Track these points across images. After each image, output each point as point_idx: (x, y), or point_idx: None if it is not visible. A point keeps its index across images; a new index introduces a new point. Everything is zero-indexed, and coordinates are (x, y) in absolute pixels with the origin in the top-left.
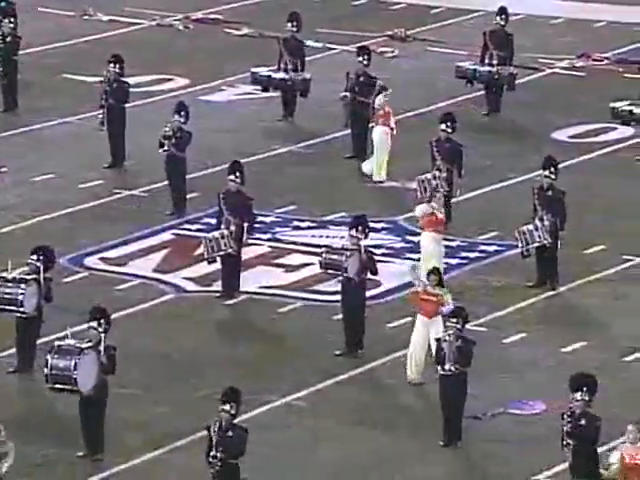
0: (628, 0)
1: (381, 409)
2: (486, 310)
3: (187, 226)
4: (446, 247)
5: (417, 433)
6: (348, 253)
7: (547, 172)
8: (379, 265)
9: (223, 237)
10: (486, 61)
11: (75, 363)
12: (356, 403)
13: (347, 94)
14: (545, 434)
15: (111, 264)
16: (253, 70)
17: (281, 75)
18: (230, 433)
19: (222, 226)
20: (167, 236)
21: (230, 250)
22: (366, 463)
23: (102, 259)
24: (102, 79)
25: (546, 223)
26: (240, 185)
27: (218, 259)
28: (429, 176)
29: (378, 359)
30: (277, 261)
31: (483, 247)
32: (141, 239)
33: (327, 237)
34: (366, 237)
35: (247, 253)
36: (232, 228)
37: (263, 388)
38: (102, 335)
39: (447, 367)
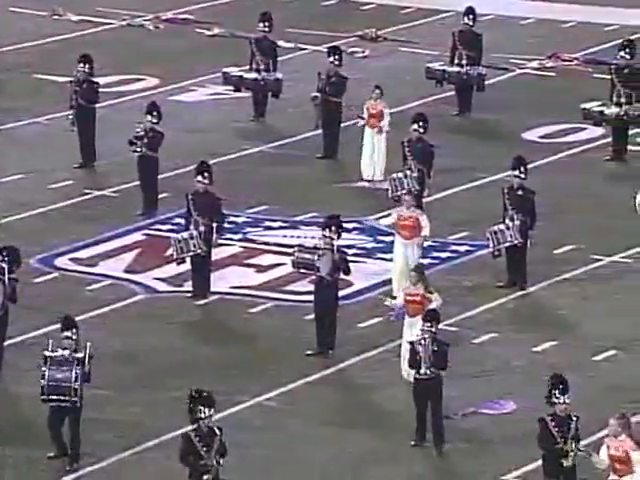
0: (597, 0)
1: (352, 409)
2: (457, 310)
3: (158, 226)
4: None
5: (388, 433)
6: (320, 252)
7: (517, 172)
8: (351, 265)
9: (192, 238)
10: (455, 61)
11: (76, 375)
12: (327, 403)
13: (318, 94)
14: (515, 434)
15: (82, 264)
16: (224, 70)
17: (253, 75)
18: (218, 434)
19: (191, 227)
20: (138, 236)
21: (199, 251)
22: (338, 463)
23: (73, 259)
24: (72, 79)
25: (517, 223)
26: (208, 185)
27: (187, 260)
28: (400, 175)
29: (349, 359)
30: (248, 261)
31: (454, 247)
32: (112, 239)
33: (298, 237)
34: (339, 237)
35: (218, 253)
36: (201, 229)
37: (234, 388)
38: (88, 345)
39: (423, 371)
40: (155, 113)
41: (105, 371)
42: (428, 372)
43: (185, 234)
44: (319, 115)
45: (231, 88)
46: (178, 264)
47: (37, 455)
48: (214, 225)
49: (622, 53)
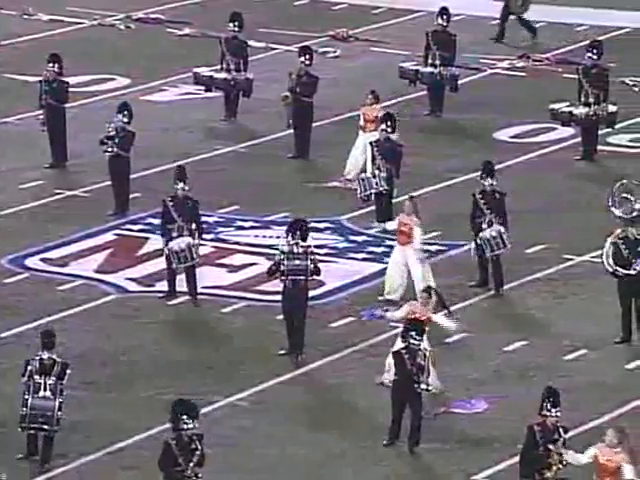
0: (568, 1)
1: (324, 409)
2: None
3: (130, 226)
4: (390, 247)
5: (360, 432)
6: (308, 255)
7: (489, 179)
8: (322, 265)
9: (192, 246)
10: (429, 62)
11: (59, 404)
12: (299, 403)
13: (288, 94)
14: (486, 433)
15: (53, 265)
16: (195, 70)
17: (223, 75)
18: (196, 445)
19: (174, 233)
20: (109, 236)
21: (198, 260)
22: (310, 463)
23: (43, 260)
24: (41, 79)
25: (502, 229)
26: (187, 191)
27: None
28: (369, 175)
29: (321, 359)
30: (220, 261)
31: (426, 247)
32: (83, 239)
33: (270, 237)
34: (305, 241)
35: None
36: (186, 234)
37: (206, 388)
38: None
39: (423, 387)
40: (126, 112)
41: (77, 371)
42: (425, 386)
43: (183, 244)
44: (290, 115)
45: (202, 88)
46: (174, 274)
47: (6, 457)
48: (194, 228)
49: (589, 54)
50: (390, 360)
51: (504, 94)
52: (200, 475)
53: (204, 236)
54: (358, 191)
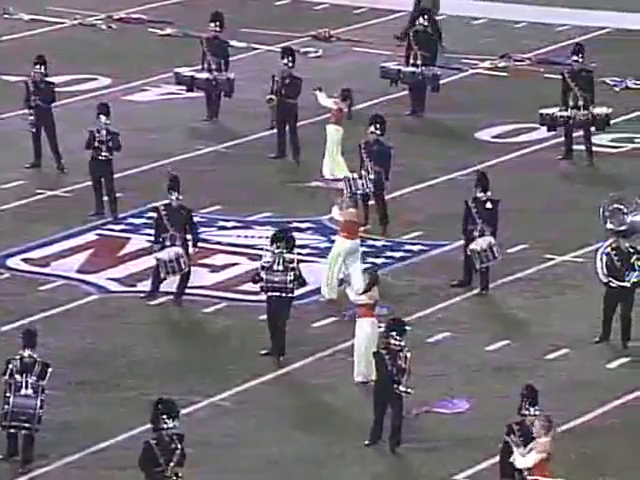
0: (549, 1)
1: (306, 409)
2: (411, 309)
3: (111, 226)
4: (371, 247)
5: (342, 432)
6: (289, 271)
7: (483, 193)
8: (304, 265)
9: (182, 256)
10: (410, 61)
11: (41, 402)
12: (281, 403)
13: (273, 97)
14: (468, 433)
15: (34, 265)
16: (176, 70)
17: (205, 75)
18: (177, 445)
19: (167, 242)
20: (91, 237)
21: (187, 269)
22: (291, 463)
23: (25, 260)
24: (26, 80)
25: (492, 241)
26: (181, 200)
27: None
28: (356, 175)
29: (303, 359)
30: (202, 261)
31: (408, 247)
32: (64, 240)
33: (252, 237)
34: (291, 251)
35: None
36: (178, 243)
37: (188, 388)
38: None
39: (402, 388)
40: (108, 114)
41: (59, 371)
42: (405, 388)
43: (172, 254)
44: (274, 116)
45: (184, 88)
46: (162, 283)
47: None
48: (189, 237)
49: (575, 57)
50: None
51: (486, 94)
52: (180, 475)
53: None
54: (344, 191)
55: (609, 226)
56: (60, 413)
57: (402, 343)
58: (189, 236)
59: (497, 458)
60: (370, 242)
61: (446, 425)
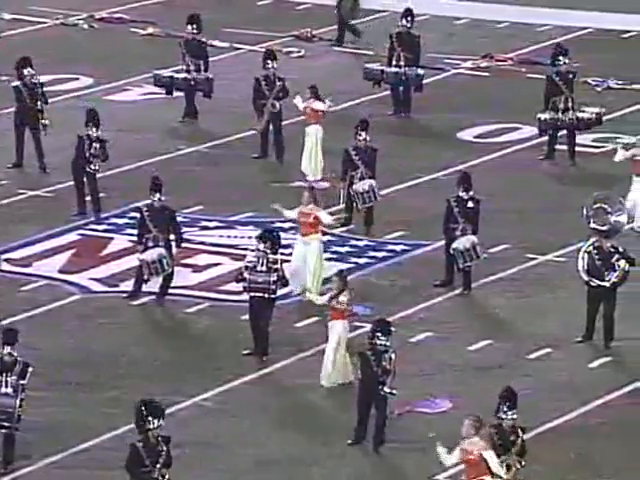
0: (530, 1)
1: (289, 409)
2: (394, 309)
3: (93, 226)
4: (354, 247)
5: (326, 433)
6: (272, 272)
7: (465, 193)
8: (286, 265)
9: (165, 257)
10: (393, 62)
11: (20, 402)
12: (264, 403)
13: (276, 102)
14: (450, 433)
15: (16, 265)
16: (155, 72)
17: (184, 75)
18: (164, 447)
19: (150, 243)
20: (73, 237)
21: (170, 269)
22: (274, 463)
23: (6, 260)
24: (17, 84)
25: (475, 240)
26: (164, 201)
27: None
28: (367, 187)
29: (286, 359)
30: (185, 261)
31: (391, 247)
32: (46, 240)
33: (235, 237)
34: (276, 252)
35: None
36: (161, 244)
37: (171, 389)
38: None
39: (387, 389)
40: (97, 121)
41: (41, 372)
42: (389, 389)
43: (155, 255)
44: (262, 119)
45: (163, 91)
46: (146, 283)
47: None
48: (172, 238)
49: (563, 59)
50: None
51: (468, 94)
52: (167, 476)
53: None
54: (359, 205)
55: (592, 225)
56: (42, 413)
57: (387, 344)
58: (173, 236)
59: None
60: (353, 242)
61: (429, 425)
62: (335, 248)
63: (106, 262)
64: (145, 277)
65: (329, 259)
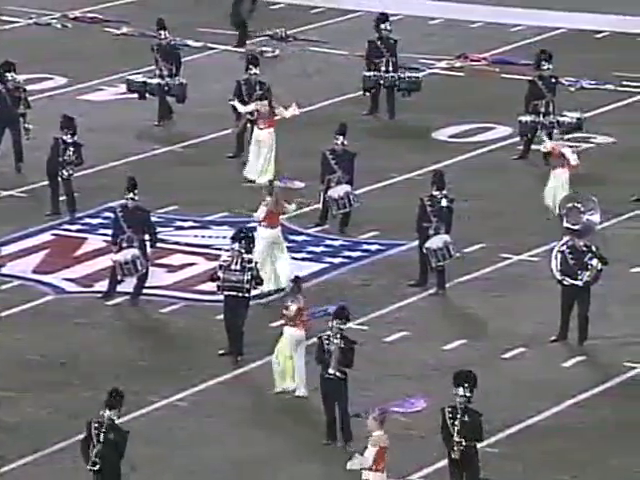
0: (504, 1)
1: (264, 409)
2: (367, 309)
3: (67, 226)
4: (328, 246)
5: (299, 432)
6: (246, 271)
7: (439, 192)
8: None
9: (138, 257)
10: (383, 68)
11: None
12: (239, 403)
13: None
14: (424, 433)
15: None
16: (128, 78)
17: (157, 81)
18: (111, 435)
19: (124, 244)
20: (47, 237)
21: (144, 270)
22: (249, 463)
23: None
24: (0, 87)
25: (448, 239)
26: (138, 201)
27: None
28: (342, 194)
29: (261, 359)
30: (159, 261)
31: (365, 246)
32: (20, 240)
33: (210, 237)
34: (248, 252)
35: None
36: (135, 244)
37: (146, 389)
38: None
39: (331, 371)
40: (72, 127)
41: (14, 372)
42: (337, 374)
43: (128, 256)
44: (240, 121)
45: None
46: (120, 283)
47: None
48: (147, 238)
49: (546, 63)
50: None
51: (442, 94)
52: (97, 464)
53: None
54: (333, 210)
55: (565, 224)
56: (17, 413)
57: (341, 327)
58: (147, 237)
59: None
60: (328, 241)
61: (402, 425)
62: (310, 248)
63: (80, 262)
64: (119, 278)
65: (304, 259)
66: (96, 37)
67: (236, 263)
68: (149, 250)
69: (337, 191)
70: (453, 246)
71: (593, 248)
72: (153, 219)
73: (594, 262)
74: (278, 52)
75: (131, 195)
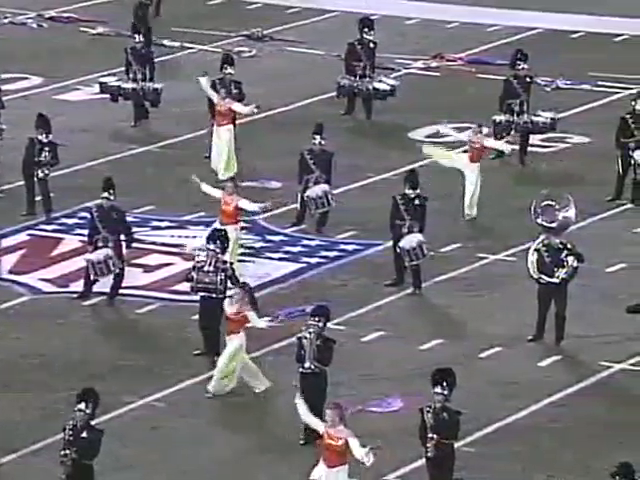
0: (480, 2)
1: (240, 409)
2: (345, 309)
3: (43, 227)
4: (305, 246)
5: (276, 432)
6: (219, 272)
7: (412, 190)
8: (239, 265)
9: (110, 257)
10: (359, 73)
11: None
12: (216, 403)
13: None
14: (401, 432)
15: None
16: (101, 81)
17: (131, 85)
18: (85, 434)
19: (100, 244)
20: (23, 237)
21: (118, 270)
22: (225, 463)
23: None
24: None
25: (421, 239)
26: (113, 201)
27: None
28: (320, 193)
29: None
30: (136, 261)
31: (343, 246)
32: None
33: (187, 237)
34: (223, 252)
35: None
36: (110, 245)
37: (123, 389)
38: None
39: (307, 365)
40: (46, 126)
41: None
42: (312, 367)
43: (101, 256)
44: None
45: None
46: (94, 284)
47: None
48: (123, 238)
49: (522, 63)
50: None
51: (419, 94)
52: (69, 460)
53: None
54: (311, 210)
55: (540, 222)
56: None
57: (319, 325)
58: (123, 237)
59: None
60: (305, 242)
61: (379, 424)
62: (287, 248)
63: (56, 262)
64: (92, 277)
65: (281, 259)
66: (72, 37)
67: (210, 264)
68: (125, 251)
69: (315, 191)
70: (426, 245)
71: (569, 245)
72: (129, 219)
73: (570, 259)
74: (255, 52)
75: (106, 195)
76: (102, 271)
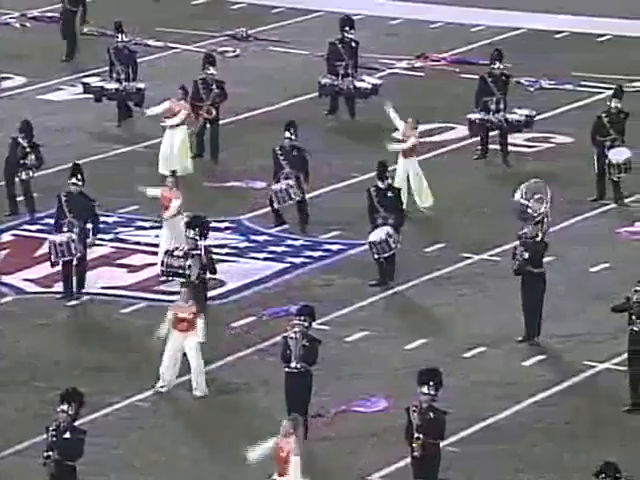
0: (464, 2)
1: (226, 408)
2: (329, 308)
3: (27, 227)
4: (290, 246)
5: (260, 432)
6: (189, 257)
7: (381, 182)
8: (223, 265)
9: (72, 241)
10: (341, 72)
11: None
12: (201, 403)
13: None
14: (385, 432)
15: None
16: (84, 82)
17: (114, 85)
18: (68, 434)
19: (65, 228)
20: (6, 237)
21: (79, 254)
22: (210, 463)
23: None
24: None
25: (390, 231)
26: (82, 187)
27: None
28: (284, 186)
29: (221, 359)
30: (120, 261)
31: (327, 246)
32: None
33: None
34: (205, 238)
35: (89, 254)
36: (76, 230)
37: (106, 389)
38: None
39: (293, 365)
40: (29, 132)
41: None
42: (298, 366)
43: (64, 237)
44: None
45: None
46: (53, 266)
47: None
48: (89, 226)
49: (498, 62)
50: None
51: (402, 94)
52: (52, 462)
53: (104, 236)
54: (275, 204)
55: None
56: None
57: (304, 324)
58: (90, 225)
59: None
60: (289, 241)
61: (363, 424)
62: (272, 248)
63: (40, 262)
64: (52, 259)
65: (266, 259)
66: (55, 37)
67: (181, 249)
68: (89, 239)
69: (279, 185)
70: (395, 238)
71: (538, 238)
72: (114, 219)
73: (519, 250)
74: (239, 52)
75: (74, 180)
76: (63, 253)
